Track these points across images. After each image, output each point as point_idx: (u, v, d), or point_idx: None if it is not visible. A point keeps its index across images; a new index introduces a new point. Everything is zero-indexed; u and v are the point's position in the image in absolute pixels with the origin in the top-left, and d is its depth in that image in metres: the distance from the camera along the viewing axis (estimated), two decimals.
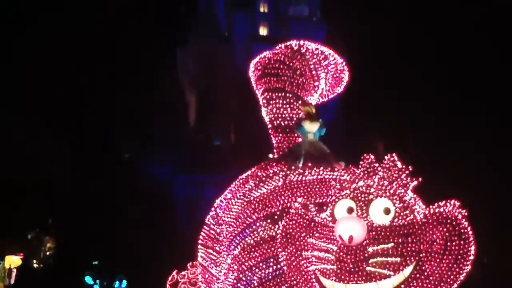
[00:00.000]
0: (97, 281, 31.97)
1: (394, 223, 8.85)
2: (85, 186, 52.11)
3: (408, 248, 8.66)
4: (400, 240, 8.68)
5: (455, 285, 8.75)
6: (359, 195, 9.13)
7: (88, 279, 31.60)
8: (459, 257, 8.63)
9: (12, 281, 30.96)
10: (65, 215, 42.59)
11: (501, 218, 36.16)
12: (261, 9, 60.03)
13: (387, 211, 8.93)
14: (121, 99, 56.77)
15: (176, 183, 53.02)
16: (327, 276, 8.89)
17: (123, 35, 59.07)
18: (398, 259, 8.64)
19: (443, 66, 53.30)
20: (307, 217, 9.40)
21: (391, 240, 8.68)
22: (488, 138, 44.40)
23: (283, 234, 9.51)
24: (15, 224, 37.43)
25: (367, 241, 8.72)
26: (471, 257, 8.74)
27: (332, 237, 8.96)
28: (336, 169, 11.56)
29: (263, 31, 58.60)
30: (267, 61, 13.38)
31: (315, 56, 13.53)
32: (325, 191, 10.98)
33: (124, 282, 31.85)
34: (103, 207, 48.87)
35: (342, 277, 8.75)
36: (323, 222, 9.27)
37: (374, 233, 8.76)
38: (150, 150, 54.71)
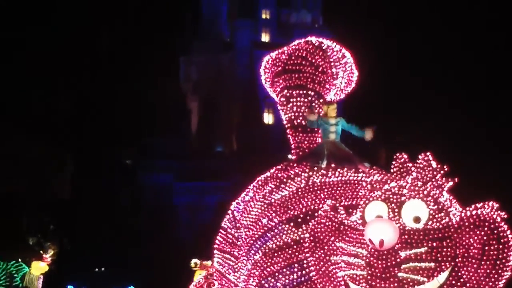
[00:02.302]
0: None
1: (428, 226, 8.25)
2: (86, 193, 51.70)
3: (443, 253, 8.06)
4: (434, 244, 8.08)
5: None
6: (391, 196, 8.50)
7: None
8: (498, 262, 8.02)
9: (40, 287, 30.35)
10: (67, 221, 41.96)
11: None
12: (263, 16, 59.62)
13: (417, 219, 8.31)
14: (123, 106, 56.27)
15: (176, 189, 52.45)
16: (357, 283, 8.30)
17: (127, 43, 58.63)
18: (433, 264, 8.05)
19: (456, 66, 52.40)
20: (336, 220, 8.72)
21: (425, 244, 8.08)
22: None
23: (311, 238, 8.83)
24: (16, 230, 36.99)
25: (399, 245, 8.11)
26: (511, 263, 8.10)
27: (362, 241, 8.34)
28: (360, 171, 10.93)
29: (265, 38, 58.10)
30: (287, 57, 12.67)
31: (334, 53, 12.91)
32: (350, 193, 10.42)
33: None
34: (104, 214, 48.40)
35: (373, 283, 8.15)
36: (352, 226, 8.63)
37: (406, 236, 8.16)
38: (151, 157, 54.19)
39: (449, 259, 8.03)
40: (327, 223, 8.69)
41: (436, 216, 8.26)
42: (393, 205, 8.39)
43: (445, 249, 8.01)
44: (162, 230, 48.35)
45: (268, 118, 55.95)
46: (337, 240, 8.61)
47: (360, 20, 50.25)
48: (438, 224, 8.21)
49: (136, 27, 59.08)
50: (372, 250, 8.12)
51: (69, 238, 36.58)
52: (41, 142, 50.78)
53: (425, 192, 8.39)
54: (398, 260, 8.03)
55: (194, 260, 31.41)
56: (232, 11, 60.41)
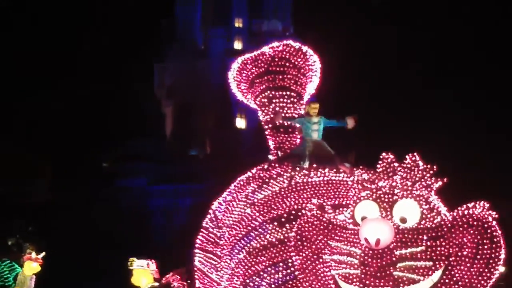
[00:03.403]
0: None
1: (421, 226, 7.89)
2: (63, 196, 51.06)
3: (437, 252, 7.71)
4: (428, 243, 7.73)
5: None
6: (382, 196, 8.12)
7: None
8: (491, 261, 7.70)
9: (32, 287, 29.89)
10: (45, 224, 41.29)
11: None
12: (236, 25, 59.37)
13: (403, 219, 7.98)
14: (99, 111, 55.59)
15: (151, 193, 51.87)
16: (350, 282, 7.88)
17: (103, 48, 57.85)
18: (427, 263, 7.70)
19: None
20: (324, 219, 8.33)
21: (419, 243, 7.73)
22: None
23: (298, 237, 8.40)
24: None
25: (394, 244, 7.73)
26: (501, 262, 7.83)
27: (354, 240, 7.95)
28: (341, 171, 10.61)
29: (238, 46, 57.71)
30: (270, 58, 12.32)
31: (311, 57, 12.65)
32: (333, 192, 10.14)
33: None
34: (81, 217, 47.75)
35: (367, 282, 7.75)
36: (342, 225, 8.23)
37: (401, 235, 7.79)
38: (127, 160, 53.65)
39: (443, 258, 7.71)
40: (314, 222, 8.30)
41: (429, 215, 7.95)
42: (384, 204, 8.01)
43: (439, 248, 7.69)
44: (137, 231, 47.73)
45: (240, 123, 55.61)
46: (326, 238, 8.23)
47: (330, 29, 49.53)
48: (430, 223, 7.89)
49: (114, 33, 58.36)
50: (367, 249, 7.76)
51: (46, 241, 35.81)
52: (20, 146, 50.19)
53: (417, 192, 8.07)
54: (394, 259, 7.68)
55: (132, 258, 30.08)
56: (206, 19, 60.04)
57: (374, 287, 7.71)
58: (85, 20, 58.71)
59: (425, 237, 7.76)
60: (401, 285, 7.67)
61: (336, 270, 8.02)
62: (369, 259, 7.71)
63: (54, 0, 57.12)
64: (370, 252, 7.72)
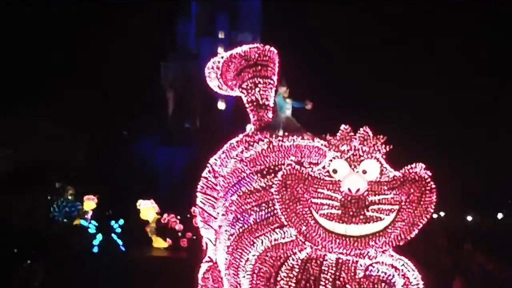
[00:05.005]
0: (92, 222, 28.99)
1: (382, 179, 7.59)
2: (96, 157, 50.98)
3: (394, 199, 7.49)
4: (388, 192, 7.50)
5: (420, 225, 7.57)
6: (351, 156, 7.71)
7: (83, 222, 28.76)
8: (428, 205, 7.51)
9: (89, 221, 29.27)
10: (83, 174, 40.55)
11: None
12: (219, 36, 59.25)
13: (364, 171, 7.62)
14: (122, 95, 54.97)
15: (159, 152, 52.17)
16: (330, 219, 7.49)
17: (127, 57, 56.72)
18: (388, 206, 7.46)
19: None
20: (303, 170, 7.84)
21: (382, 192, 7.50)
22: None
23: (281, 183, 7.84)
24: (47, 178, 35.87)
25: (367, 192, 7.48)
26: (433, 206, 7.61)
27: (333, 187, 7.56)
28: (306, 138, 10.15)
29: (220, 51, 56.66)
30: (257, 55, 11.71)
31: (277, 55, 12.05)
32: (300, 153, 9.71)
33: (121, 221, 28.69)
34: (107, 172, 47.49)
35: (345, 219, 7.42)
36: (319, 176, 7.75)
37: (370, 186, 7.53)
38: (141, 130, 53.65)
39: (397, 202, 7.48)
40: (296, 173, 7.78)
41: (385, 172, 7.65)
42: (355, 163, 7.65)
43: (395, 196, 7.48)
44: (147, 181, 47.36)
45: (221, 105, 55.30)
46: (310, 186, 7.72)
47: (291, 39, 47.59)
48: (387, 178, 7.59)
49: (133, 43, 57.76)
50: (346, 195, 7.47)
51: (84, 188, 34.86)
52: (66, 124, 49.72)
53: (377, 155, 7.70)
54: (367, 203, 7.42)
55: (140, 200, 29.11)
56: (198, 31, 60.13)
57: (350, 223, 7.38)
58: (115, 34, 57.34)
59: (385, 188, 7.50)
60: (371, 221, 7.41)
61: (318, 211, 7.56)
62: (349, 203, 7.40)
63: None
64: (349, 197, 7.42)
